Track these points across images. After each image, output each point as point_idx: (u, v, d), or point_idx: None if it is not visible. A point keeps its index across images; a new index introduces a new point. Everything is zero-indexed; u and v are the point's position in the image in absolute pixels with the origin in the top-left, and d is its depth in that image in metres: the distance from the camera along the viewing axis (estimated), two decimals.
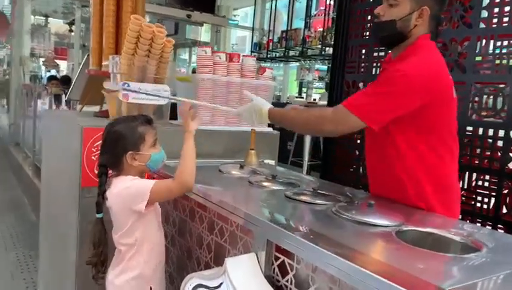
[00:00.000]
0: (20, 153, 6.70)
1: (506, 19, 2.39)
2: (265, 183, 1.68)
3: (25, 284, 3.32)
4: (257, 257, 1.18)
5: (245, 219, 1.27)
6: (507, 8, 2.38)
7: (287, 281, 1.13)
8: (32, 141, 5.79)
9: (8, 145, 7.61)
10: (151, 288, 1.53)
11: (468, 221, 2.50)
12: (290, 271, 1.12)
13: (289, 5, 8.08)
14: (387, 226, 1.22)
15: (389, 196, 1.66)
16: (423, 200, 1.59)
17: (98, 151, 1.89)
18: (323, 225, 1.26)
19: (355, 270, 0.91)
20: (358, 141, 3.09)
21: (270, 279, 1.16)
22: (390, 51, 1.80)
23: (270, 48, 8.08)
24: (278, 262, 1.16)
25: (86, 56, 2.53)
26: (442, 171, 1.67)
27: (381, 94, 1.51)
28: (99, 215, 1.53)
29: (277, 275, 1.16)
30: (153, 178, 1.62)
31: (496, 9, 2.44)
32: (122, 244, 1.52)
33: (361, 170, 3.04)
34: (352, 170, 3.11)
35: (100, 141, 1.88)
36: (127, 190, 1.46)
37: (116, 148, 1.50)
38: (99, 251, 1.53)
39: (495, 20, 2.44)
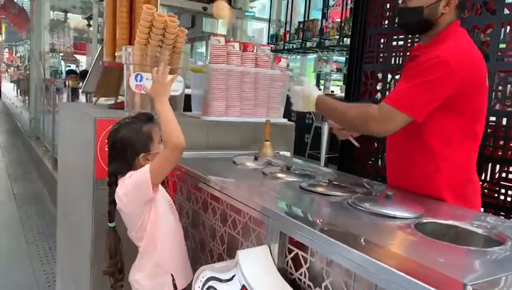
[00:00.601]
0: (41, 146, 6.81)
1: None
2: (279, 175, 1.64)
3: (45, 276, 3.37)
4: (270, 250, 1.15)
5: (258, 210, 1.23)
6: None
7: (300, 274, 1.09)
8: (52, 134, 5.87)
9: (29, 140, 7.74)
10: (172, 275, 1.50)
11: (491, 214, 2.42)
12: (303, 264, 1.08)
13: None
14: (406, 218, 1.17)
15: (408, 187, 1.61)
16: (446, 191, 1.54)
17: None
18: (339, 217, 1.22)
19: (372, 264, 0.87)
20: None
21: (283, 272, 1.12)
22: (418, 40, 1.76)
23: (287, 39, 7.99)
24: (292, 255, 1.12)
25: (100, 48, 2.52)
26: (468, 163, 1.62)
27: (422, 84, 1.46)
28: (111, 225, 1.53)
29: (290, 268, 1.12)
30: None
31: None
32: (139, 240, 1.50)
33: (379, 162, 2.98)
34: (370, 162, 3.05)
35: None
36: (131, 184, 1.44)
37: (126, 154, 1.48)
38: (116, 261, 1.53)
39: None
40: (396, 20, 1.77)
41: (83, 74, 7.15)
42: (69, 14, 12.94)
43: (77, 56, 13.50)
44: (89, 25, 12.16)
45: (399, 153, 1.70)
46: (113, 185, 1.50)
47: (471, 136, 1.59)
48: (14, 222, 4.55)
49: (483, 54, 2.36)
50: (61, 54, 11.55)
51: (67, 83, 5.41)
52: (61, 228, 2.72)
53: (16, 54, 26.90)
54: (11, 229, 4.36)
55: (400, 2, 1.67)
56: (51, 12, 10.03)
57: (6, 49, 26.41)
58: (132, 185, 1.44)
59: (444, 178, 1.55)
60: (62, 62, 12.98)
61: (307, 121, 6.75)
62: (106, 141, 1.64)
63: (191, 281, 1.39)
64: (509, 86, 2.47)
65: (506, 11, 2.38)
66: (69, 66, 12.62)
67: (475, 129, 1.59)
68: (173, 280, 1.49)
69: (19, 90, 13.92)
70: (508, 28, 2.41)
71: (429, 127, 1.53)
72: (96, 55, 2.58)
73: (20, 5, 12.42)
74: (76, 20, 13.60)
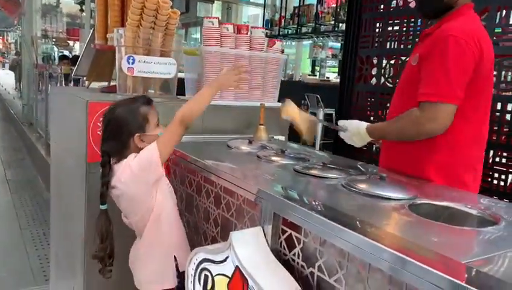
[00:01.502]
0: (34, 133, 6.76)
1: None
2: (274, 158, 1.63)
3: (39, 261, 3.37)
4: (263, 231, 1.14)
5: (251, 192, 1.22)
6: None
7: (294, 254, 1.09)
8: (45, 120, 5.82)
9: (22, 126, 7.68)
10: (175, 257, 1.49)
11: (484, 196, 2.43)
12: (297, 245, 1.07)
13: None
14: (400, 199, 1.16)
15: (402, 170, 1.61)
16: (442, 179, 1.54)
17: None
18: (333, 198, 1.21)
19: (365, 243, 0.86)
20: (372, 118, 3.02)
21: (277, 253, 1.12)
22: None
23: (283, 24, 7.94)
24: (285, 236, 1.11)
25: (91, 30, 2.47)
26: (469, 149, 1.60)
27: (444, 67, 1.46)
28: (103, 207, 1.49)
29: (284, 248, 1.12)
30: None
31: None
32: (141, 226, 1.48)
33: (374, 147, 2.98)
34: (365, 148, 3.04)
35: None
36: (137, 165, 1.41)
37: (121, 133, 1.45)
38: (106, 245, 1.49)
39: None
40: (417, 8, 1.77)
41: (75, 59, 7.09)
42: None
43: (70, 42, 13.34)
44: (81, 10, 12.00)
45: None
46: (106, 165, 1.46)
47: (473, 123, 1.57)
48: (8, 208, 4.53)
49: None
50: (54, 40, 11.40)
51: (58, 69, 5.34)
52: (55, 212, 2.70)
53: (7, 40, 26.56)
54: (4, 215, 4.34)
55: None
56: None
57: None
58: (140, 164, 1.41)
59: (440, 163, 1.54)
60: (54, 48, 12.84)
61: (302, 107, 6.75)
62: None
63: None
64: (503, 70, 2.47)
65: None
66: (62, 52, 12.49)
67: (478, 115, 1.58)
68: (176, 262, 1.48)
69: (16, 77, 13.75)
70: (504, 11, 2.39)
71: None
72: (88, 39, 2.53)
73: None
74: (69, 5, 13.41)
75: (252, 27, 2.29)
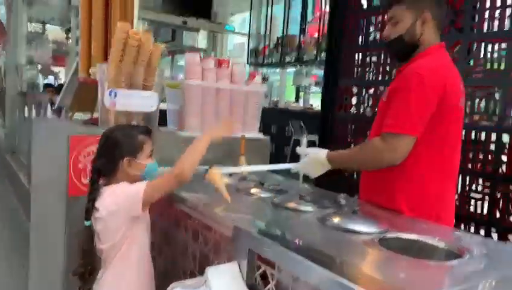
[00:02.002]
0: (16, 161, 6.68)
1: (496, 23, 2.39)
2: (252, 191, 1.67)
3: None
4: (239, 266, 1.17)
5: (228, 228, 1.25)
6: (497, 12, 2.38)
7: None
8: (28, 149, 5.77)
9: (5, 154, 7.58)
10: None
11: (462, 225, 2.49)
12: (271, 280, 1.10)
13: (285, 10, 8.09)
14: (371, 234, 1.20)
15: (378, 201, 1.65)
16: (413, 212, 1.58)
17: (85, 160, 1.89)
18: (307, 232, 1.25)
19: (334, 281, 0.89)
20: (352, 145, 3.09)
21: (252, 288, 1.14)
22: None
23: (267, 53, 8.08)
24: (260, 271, 1.14)
25: (75, 63, 2.52)
26: (440, 182, 1.65)
27: (406, 102, 1.53)
28: (87, 223, 1.50)
29: (259, 284, 1.14)
30: None
31: (487, 14, 2.44)
32: (111, 254, 1.49)
33: (355, 176, 3.03)
34: (346, 174, 3.10)
35: (87, 149, 1.88)
36: (119, 197, 1.44)
37: (113, 153, 1.49)
38: (87, 261, 1.50)
39: (486, 25, 2.44)
40: (389, 55, 1.87)
41: (60, 88, 7.10)
42: (47, 26, 12.79)
43: (57, 68, 13.32)
44: (67, 38, 12.05)
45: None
46: (95, 182, 1.50)
47: (443, 155, 1.63)
48: None
49: None
50: (39, 69, 11.38)
51: (51, 100, 5.35)
52: (34, 244, 2.67)
53: None
54: None
55: (383, 38, 1.77)
56: (29, 24, 9.91)
57: None
58: (125, 196, 1.44)
59: (412, 195, 1.60)
60: (40, 75, 12.80)
61: (286, 134, 6.81)
62: (82, 154, 1.64)
63: None
64: (477, 100, 2.56)
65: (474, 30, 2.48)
66: (46, 79, 12.46)
67: (448, 148, 1.64)
68: None
69: None
70: (475, 45, 2.50)
71: None
72: (72, 70, 2.57)
73: None
74: (55, 31, 13.46)
75: (233, 62, 2.35)
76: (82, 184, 1.88)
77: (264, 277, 1.13)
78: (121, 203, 1.43)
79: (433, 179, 1.61)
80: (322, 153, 1.73)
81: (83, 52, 2.30)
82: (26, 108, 6.45)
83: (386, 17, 1.75)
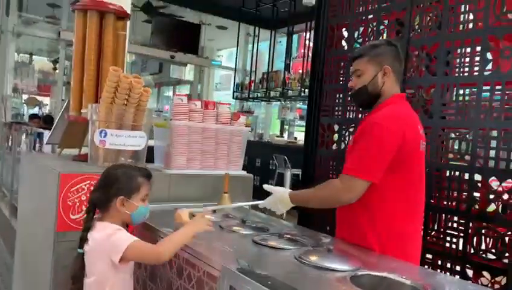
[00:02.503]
0: None
1: (466, 69, 2.55)
2: (235, 228, 1.75)
3: None
4: None
5: (210, 265, 1.33)
6: (467, 59, 2.55)
7: None
8: (10, 180, 5.75)
9: None
10: None
11: (440, 261, 2.57)
12: None
13: (270, 47, 8.36)
14: (344, 271, 1.29)
15: (351, 239, 1.76)
16: (383, 249, 1.70)
17: (74, 197, 1.96)
18: (285, 270, 1.33)
19: None
20: None
21: None
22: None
23: (252, 88, 8.29)
24: None
25: (66, 102, 2.61)
26: (404, 218, 1.77)
27: (367, 150, 1.68)
28: (80, 251, 1.55)
29: None
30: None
31: (458, 60, 2.61)
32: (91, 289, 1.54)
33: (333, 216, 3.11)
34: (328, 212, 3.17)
35: (77, 186, 1.95)
36: (108, 238, 1.50)
37: (110, 189, 1.56)
38: (78, 287, 1.55)
39: (457, 70, 2.60)
40: (354, 103, 2.03)
41: (46, 120, 7.13)
42: (34, 56, 12.90)
43: (41, 98, 13.35)
44: (54, 68, 12.15)
45: (345, 209, 1.86)
46: (90, 212, 1.57)
47: (408, 197, 1.77)
48: None
49: (427, 112, 2.60)
50: (24, 100, 11.41)
51: (29, 128, 5.38)
52: (19, 279, 2.68)
53: None
54: None
55: (349, 88, 1.93)
56: (16, 54, 10.00)
57: None
58: (113, 238, 1.49)
59: (380, 235, 1.71)
60: (24, 105, 12.79)
61: (270, 167, 6.91)
62: (72, 190, 1.77)
63: None
64: (451, 141, 2.69)
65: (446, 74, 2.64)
66: (31, 108, 12.46)
67: (412, 189, 1.78)
68: None
69: None
70: (447, 89, 2.66)
71: (370, 186, 1.70)
72: (62, 109, 2.66)
73: None
74: (41, 62, 13.56)
75: (218, 103, 2.47)
76: (70, 220, 1.94)
77: None
78: (109, 243, 1.50)
79: (398, 218, 1.73)
80: (285, 192, 1.88)
81: (75, 91, 2.38)
82: (10, 139, 6.44)
83: (350, 70, 1.91)
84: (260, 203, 1.96)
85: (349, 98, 3.16)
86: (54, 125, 2.62)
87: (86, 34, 2.35)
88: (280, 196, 1.88)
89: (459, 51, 2.60)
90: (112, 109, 2.07)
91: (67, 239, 1.93)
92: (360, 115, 3.11)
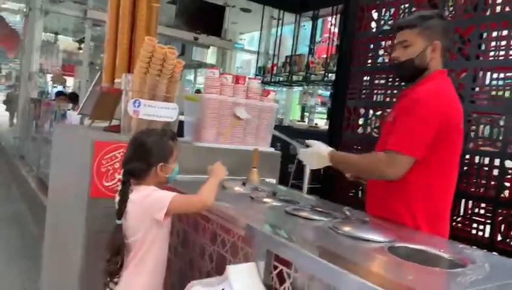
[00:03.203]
0: (25, 166, 6.78)
1: (502, 52, 2.49)
2: (266, 200, 1.76)
3: None
4: (257, 266, 1.25)
5: (246, 229, 1.34)
6: (503, 42, 2.49)
7: (284, 288, 1.20)
8: (37, 154, 5.88)
9: (13, 159, 7.69)
10: None
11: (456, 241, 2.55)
12: (287, 279, 1.19)
13: (294, 30, 8.28)
14: (380, 242, 1.29)
15: (384, 216, 1.75)
16: (416, 226, 1.69)
17: (107, 164, 1.99)
18: (320, 238, 1.34)
19: (349, 279, 0.98)
20: None
21: (269, 287, 1.23)
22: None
23: (274, 72, 8.24)
24: (277, 271, 1.23)
25: (99, 73, 2.64)
26: (440, 199, 1.76)
27: (410, 125, 1.65)
28: (119, 222, 1.59)
29: (275, 283, 1.23)
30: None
31: (493, 43, 2.55)
32: (130, 251, 1.58)
33: (359, 194, 3.11)
34: (351, 194, 3.18)
35: (110, 154, 1.99)
36: (148, 198, 1.54)
37: (148, 158, 1.61)
38: (117, 259, 1.58)
39: (492, 54, 2.55)
40: (396, 75, 1.98)
41: (72, 97, 7.24)
42: (59, 36, 13.06)
43: (64, 78, 13.54)
44: (79, 48, 12.28)
45: (378, 185, 1.85)
46: (127, 183, 1.60)
47: (446, 175, 1.75)
48: None
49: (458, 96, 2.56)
50: (51, 76, 11.60)
51: (56, 104, 5.48)
52: (49, 246, 2.75)
53: (0, 72, 26.65)
54: None
55: (392, 60, 1.88)
56: (43, 33, 10.13)
57: None
58: (154, 196, 1.55)
59: (416, 211, 1.70)
60: (49, 82, 13.01)
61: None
62: (107, 156, 1.78)
63: None
64: (481, 126, 2.65)
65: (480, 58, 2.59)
66: (55, 87, 12.66)
67: (448, 169, 1.76)
68: None
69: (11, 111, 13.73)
70: (481, 73, 2.61)
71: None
72: (95, 80, 2.69)
73: (13, 25, 12.49)
74: (66, 42, 13.72)
75: (249, 78, 2.47)
76: (103, 187, 1.98)
77: (279, 276, 1.22)
78: (149, 202, 1.53)
79: (434, 196, 1.72)
80: (325, 148, 1.86)
81: (108, 63, 2.42)
82: (37, 115, 6.57)
83: (396, 39, 1.85)
84: (301, 150, 1.93)
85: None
86: (86, 96, 2.66)
87: (120, 5, 2.37)
88: (319, 150, 1.85)
89: (495, 34, 2.55)
90: (146, 79, 2.09)
91: (100, 205, 1.97)
92: (387, 99, 3.09)
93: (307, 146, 1.94)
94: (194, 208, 1.62)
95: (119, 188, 1.61)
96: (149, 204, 1.53)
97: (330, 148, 1.87)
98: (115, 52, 2.39)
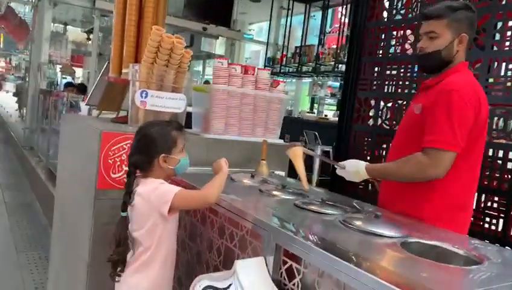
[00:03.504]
0: (34, 157, 6.82)
1: None
2: (275, 192, 1.72)
3: (34, 285, 3.38)
4: (266, 261, 1.22)
5: (255, 223, 1.31)
6: None
7: (293, 284, 1.17)
8: (46, 145, 5.90)
9: (23, 149, 7.74)
10: None
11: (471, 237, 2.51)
12: (297, 275, 1.16)
13: (304, 21, 8.19)
14: (392, 237, 1.25)
15: (400, 208, 1.72)
16: (438, 219, 1.65)
17: (115, 155, 1.97)
18: (331, 233, 1.30)
19: (361, 275, 0.95)
20: (368, 158, 3.13)
21: (278, 282, 1.20)
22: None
23: (284, 62, 8.16)
24: (286, 266, 1.20)
25: (106, 63, 2.61)
26: (462, 192, 1.73)
27: (448, 119, 1.60)
28: (123, 214, 1.58)
29: (284, 279, 1.20)
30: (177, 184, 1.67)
31: (509, 33, 2.48)
32: (140, 244, 1.56)
33: (369, 187, 3.07)
34: (361, 187, 3.13)
35: (117, 145, 1.96)
36: (154, 191, 1.52)
37: (150, 150, 1.58)
38: (121, 250, 1.58)
39: (507, 44, 2.48)
40: (419, 66, 1.94)
41: (81, 88, 7.25)
42: (68, 27, 13.07)
43: (74, 68, 13.58)
44: (88, 39, 12.28)
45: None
46: (131, 175, 1.58)
47: (469, 168, 1.72)
48: (4, 231, 4.54)
49: None
50: (60, 66, 11.62)
51: (66, 95, 5.48)
52: (57, 236, 2.76)
53: (10, 63, 26.86)
54: (1, 238, 4.35)
55: (418, 50, 1.83)
56: (52, 24, 10.14)
57: (3, 58, 26.47)
58: (160, 190, 1.52)
59: (436, 205, 1.68)
60: (58, 73, 13.04)
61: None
62: (113, 149, 1.76)
63: None
64: (495, 118, 2.59)
65: (495, 48, 2.52)
66: (65, 78, 12.69)
67: (473, 161, 1.72)
68: None
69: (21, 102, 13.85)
70: (496, 63, 2.54)
71: None
72: (102, 70, 2.67)
73: (22, 16, 12.54)
74: (75, 33, 13.73)
75: (258, 68, 2.43)
76: (111, 178, 1.96)
77: (289, 272, 1.19)
78: (156, 196, 1.51)
79: (459, 188, 1.69)
80: (361, 165, 1.83)
81: (115, 53, 2.39)
82: (49, 105, 6.58)
83: (422, 28, 1.81)
84: (337, 170, 1.92)
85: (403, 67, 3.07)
86: (94, 86, 2.63)
87: None
88: (355, 168, 1.83)
89: (511, 23, 2.48)
90: (153, 69, 2.06)
91: (107, 197, 1.95)
92: (399, 90, 3.03)
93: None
94: (197, 204, 1.60)
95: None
96: (155, 198, 1.51)
97: (364, 163, 1.85)
98: (122, 42, 2.36)
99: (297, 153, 1.76)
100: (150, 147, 1.58)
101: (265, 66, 8.68)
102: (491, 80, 2.59)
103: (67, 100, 5.17)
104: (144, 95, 2.04)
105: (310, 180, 3.42)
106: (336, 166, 1.94)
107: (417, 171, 1.66)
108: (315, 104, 10.48)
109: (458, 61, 1.74)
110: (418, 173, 1.67)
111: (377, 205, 1.89)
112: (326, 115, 8.94)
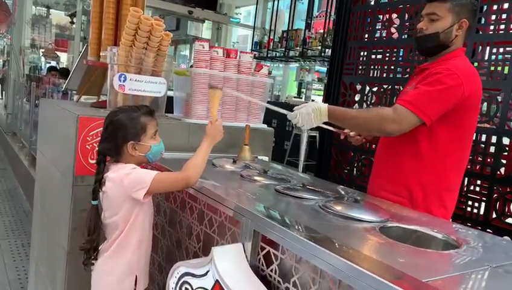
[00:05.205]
0: (17, 143, 6.71)
1: (502, 26, 2.41)
2: (256, 178, 1.70)
3: (17, 272, 3.35)
4: (244, 247, 1.21)
5: (233, 209, 1.29)
6: (504, 16, 2.40)
7: (271, 270, 1.15)
8: (29, 131, 5.80)
9: (5, 135, 7.61)
10: (136, 277, 1.54)
11: (451, 221, 2.54)
12: (274, 261, 1.14)
13: (291, 5, 8.10)
14: (372, 222, 1.24)
15: (390, 190, 1.75)
16: (425, 200, 1.69)
17: (93, 141, 1.93)
18: (310, 218, 1.29)
19: (337, 261, 0.93)
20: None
21: (255, 268, 1.18)
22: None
23: (271, 47, 8.09)
24: (264, 252, 1.18)
25: (85, 46, 2.54)
26: (452, 173, 1.75)
27: (434, 92, 1.61)
28: (94, 203, 1.55)
29: (262, 264, 1.18)
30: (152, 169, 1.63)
31: (493, 17, 2.47)
32: (113, 230, 1.53)
33: (355, 171, 3.07)
34: (346, 171, 3.13)
35: (95, 131, 1.92)
36: (127, 176, 1.47)
37: (117, 137, 1.52)
38: (93, 238, 1.55)
39: (492, 27, 2.47)
40: (417, 47, 1.92)
41: (63, 72, 7.11)
42: (51, 10, 12.78)
43: (58, 53, 13.31)
44: (72, 22, 12.03)
45: (387, 156, 1.82)
46: (101, 163, 1.54)
47: (460, 151, 1.74)
48: None
49: None
50: (42, 50, 11.39)
51: (46, 79, 5.36)
52: (37, 223, 2.71)
53: None
54: None
55: (417, 31, 1.82)
56: (34, 7, 9.89)
57: None
58: (134, 175, 1.47)
59: (426, 185, 1.70)
60: (42, 58, 12.80)
61: (287, 129, 6.84)
62: (90, 134, 1.71)
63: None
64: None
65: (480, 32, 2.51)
66: (49, 63, 12.45)
67: (464, 143, 1.75)
68: (135, 282, 1.54)
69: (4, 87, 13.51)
70: (480, 47, 2.53)
71: (424, 135, 1.68)
72: (80, 54, 2.60)
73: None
74: (58, 16, 13.43)
75: (240, 52, 2.38)
76: (89, 164, 1.92)
77: (266, 258, 1.17)
78: (129, 181, 1.46)
79: (448, 170, 1.72)
80: (323, 104, 1.78)
81: (93, 36, 2.32)
82: (30, 90, 6.46)
83: (424, 9, 1.80)
84: (290, 113, 1.82)
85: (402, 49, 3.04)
86: (72, 70, 2.57)
87: None
88: (315, 106, 1.76)
89: (495, 7, 2.46)
90: (132, 52, 2.00)
91: (85, 183, 1.91)
92: (384, 74, 3.02)
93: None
94: (177, 187, 1.54)
95: None
96: (129, 183, 1.46)
97: (326, 104, 1.79)
98: (100, 24, 2.29)
99: (216, 94, 1.71)
100: (117, 134, 1.51)
101: (252, 50, 8.60)
102: (475, 65, 2.59)
103: (49, 85, 5.06)
104: (122, 78, 1.98)
105: (296, 165, 3.40)
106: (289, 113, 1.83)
107: (376, 121, 1.68)
108: (302, 89, 10.44)
109: (456, 47, 1.75)
110: (376, 124, 1.68)
111: (361, 190, 1.89)
112: (313, 100, 8.91)
